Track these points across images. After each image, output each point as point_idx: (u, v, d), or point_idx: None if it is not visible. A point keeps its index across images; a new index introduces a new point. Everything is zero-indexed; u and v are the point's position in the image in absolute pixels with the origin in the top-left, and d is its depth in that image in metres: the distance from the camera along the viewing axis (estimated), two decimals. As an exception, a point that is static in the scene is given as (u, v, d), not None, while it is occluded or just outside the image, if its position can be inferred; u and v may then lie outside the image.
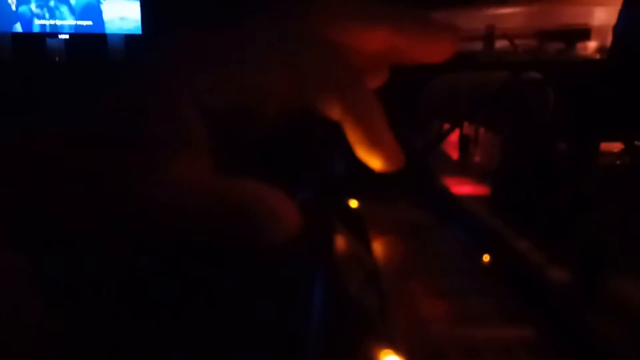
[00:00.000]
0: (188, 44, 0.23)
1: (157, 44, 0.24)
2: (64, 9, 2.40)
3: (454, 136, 0.50)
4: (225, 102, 0.22)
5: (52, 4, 2.39)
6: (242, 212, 0.20)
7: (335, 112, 0.23)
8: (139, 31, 2.44)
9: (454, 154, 0.52)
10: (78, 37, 2.41)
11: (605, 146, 0.33)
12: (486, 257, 0.26)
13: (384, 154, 0.23)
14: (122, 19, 2.43)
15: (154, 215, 0.20)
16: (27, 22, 2.39)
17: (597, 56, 0.58)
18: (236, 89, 0.22)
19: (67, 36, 2.41)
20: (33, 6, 2.40)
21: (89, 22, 2.43)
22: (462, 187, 0.40)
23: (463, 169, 0.49)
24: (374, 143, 0.23)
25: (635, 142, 0.34)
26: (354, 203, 0.30)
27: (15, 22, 2.37)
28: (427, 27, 0.26)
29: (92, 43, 2.40)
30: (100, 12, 2.43)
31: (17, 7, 2.38)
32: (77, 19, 2.42)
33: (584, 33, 0.58)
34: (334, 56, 0.23)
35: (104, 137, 0.21)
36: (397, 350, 0.18)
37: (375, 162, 0.24)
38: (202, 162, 0.21)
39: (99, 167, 0.20)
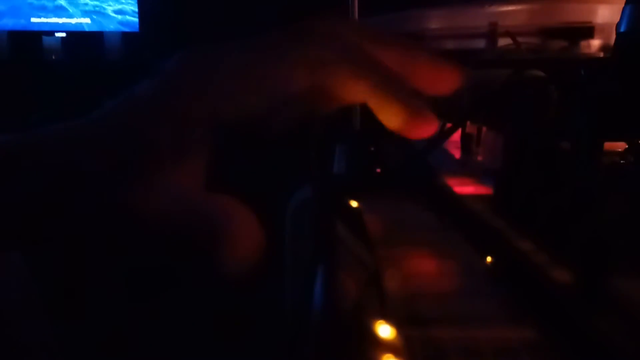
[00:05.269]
0: (202, 59, 0.24)
1: (170, 61, 0.24)
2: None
3: (456, 135, 0.50)
4: (245, 111, 0.23)
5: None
6: (207, 232, 0.21)
7: (359, 95, 0.24)
8: (136, 29, 2.42)
9: (456, 153, 0.51)
10: (75, 35, 2.39)
11: (608, 145, 0.33)
12: (488, 258, 0.26)
13: (416, 121, 0.24)
14: (119, 16, 2.41)
15: (138, 217, 0.20)
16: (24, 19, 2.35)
17: (601, 54, 0.58)
18: (259, 96, 0.23)
19: (64, 34, 2.39)
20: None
21: (87, 20, 2.41)
22: (464, 187, 0.40)
23: (465, 168, 0.48)
24: (405, 113, 0.23)
25: (639, 141, 0.34)
26: (354, 203, 0.30)
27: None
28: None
29: (89, 41, 2.38)
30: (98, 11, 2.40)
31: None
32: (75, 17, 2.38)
33: (588, 31, 0.58)
34: (349, 45, 0.24)
35: (109, 144, 0.21)
36: (398, 351, 0.18)
37: (411, 132, 0.24)
38: (196, 178, 0.22)
39: (97, 168, 0.21)
